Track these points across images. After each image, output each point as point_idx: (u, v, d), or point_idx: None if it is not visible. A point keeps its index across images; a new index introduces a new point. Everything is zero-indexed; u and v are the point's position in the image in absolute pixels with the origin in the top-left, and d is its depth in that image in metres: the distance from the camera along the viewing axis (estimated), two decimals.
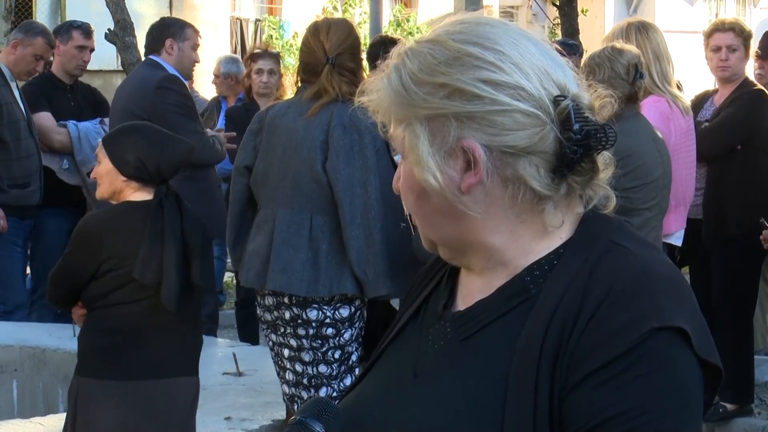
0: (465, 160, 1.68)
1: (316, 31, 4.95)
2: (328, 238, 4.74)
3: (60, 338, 6.28)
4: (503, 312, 1.70)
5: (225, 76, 10.32)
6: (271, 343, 4.86)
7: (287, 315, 4.77)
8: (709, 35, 6.87)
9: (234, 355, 5.60)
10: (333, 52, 4.85)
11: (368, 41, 14.69)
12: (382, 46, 9.02)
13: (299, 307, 4.73)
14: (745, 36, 6.79)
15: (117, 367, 4.15)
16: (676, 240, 5.80)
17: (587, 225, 1.73)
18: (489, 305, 1.73)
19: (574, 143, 1.66)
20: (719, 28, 6.88)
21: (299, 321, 4.74)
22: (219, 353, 6.14)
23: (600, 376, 1.57)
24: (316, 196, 4.78)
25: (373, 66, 8.91)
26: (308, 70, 4.90)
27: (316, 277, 4.70)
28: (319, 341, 4.73)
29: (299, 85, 4.99)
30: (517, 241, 1.72)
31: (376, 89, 1.75)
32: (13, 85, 7.43)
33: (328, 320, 4.73)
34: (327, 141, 4.77)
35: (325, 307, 4.73)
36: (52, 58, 7.90)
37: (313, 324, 4.72)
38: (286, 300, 4.76)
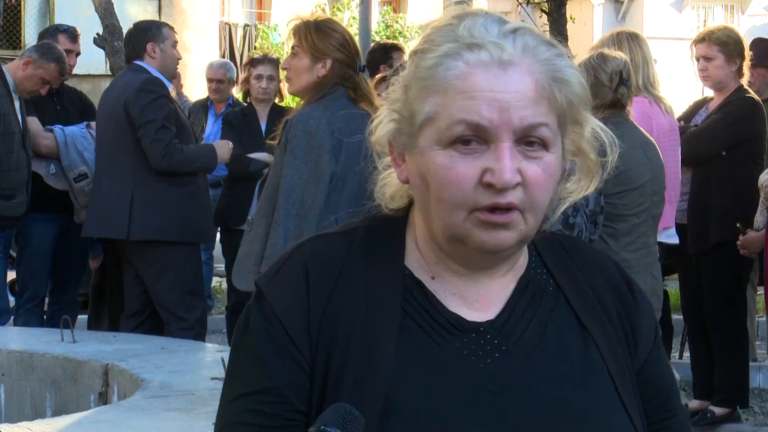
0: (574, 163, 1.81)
1: (349, 33, 4.95)
2: None
3: (48, 343, 6.25)
4: (544, 311, 1.79)
5: (210, 81, 10.33)
6: None
7: None
8: (692, 46, 6.96)
9: (223, 360, 5.57)
10: (362, 59, 4.93)
11: (360, 45, 14.69)
12: (383, 52, 9.03)
13: None
14: (720, 43, 6.80)
15: None
16: (667, 238, 5.83)
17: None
18: (524, 308, 1.79)
19: None
20: (696, 38, 6.97)
21: None
22: (207, 358, 6.12)
23: (658, 349, 1.87)
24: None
25: (374, 72, 8.90)
26: (342, 74, 4.87)
27: None
28: None
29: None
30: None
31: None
32: (15, 97, 7.42)
33: None
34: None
35: None
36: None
37: None
38: None
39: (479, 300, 1.77)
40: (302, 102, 4.94)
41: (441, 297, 1.77)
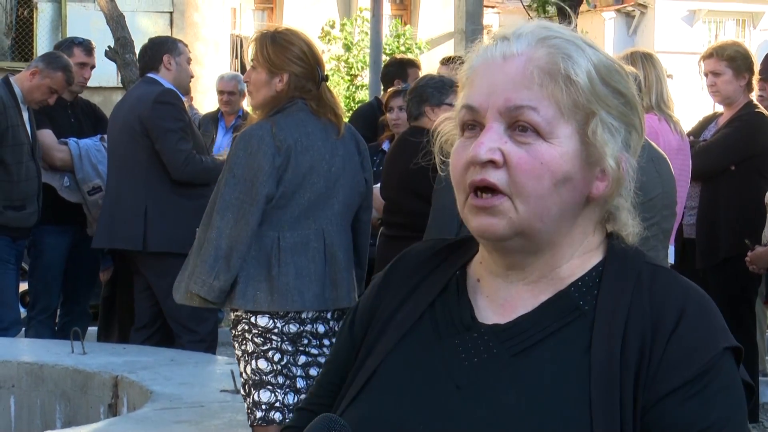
0: (601, 166, 1.75)
1: (309, 43, 4.92)
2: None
3: (58, 354, 6.27)
4: (558, 327, 1.75)
5: (221, 93, 10.36)
6: (279, 356, 4.79)
7: (321, 329, 4.78)
8: (700, 62, 6.97)
9: (232, 373, 5.58)
10: (324, 69, 4.90)
11: (367, 59, 14.71)
12: (399, 67, 9.06)
13: (338, 320, 4.78)
14: (728, 58, 6.80)
15: None
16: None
17: (616, 246, 1.81)
18: (538, 320, 1.76)
19: None
20: (705, 54, 6.97)
21: (331, 333, 4.78)
22: (217, 370, 6.13)
23: (687, 391, 1.67)
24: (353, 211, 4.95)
25: (389, 86, 8.91)
26: (300, 87, 4.84)
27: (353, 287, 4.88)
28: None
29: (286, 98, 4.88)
30: (573, 256, 1.79)
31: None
32: (23, 108, 7.44)
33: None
34: (360, 155, 4.94)
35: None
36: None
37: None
38: (329, 315, 4.78)
39: (505, 304, 1.80)
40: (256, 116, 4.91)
41: (474, 297, 1.83)
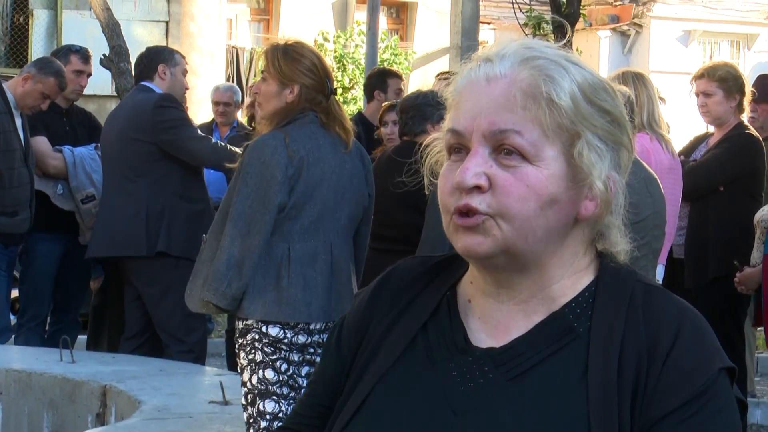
0: (589, 186, 1.73)
1: (319, 56, 4.96)
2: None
3: (47, 362, 6.25)
4: (553, 351, 1.73)
5: (216, 104, 10.36)
6: (286, 366, 4.81)
7: (324, 338, 4.80)
8: (692, 82, 7.00)
9: (221, 384, 5.58)
10: (333, 83, 4.93)
11: (364, 73, 14.73)
12: (379, 78, 9.08)
13: None
14: (719, 79, 6.83)
15: None
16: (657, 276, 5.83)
17: (607, 265, 1.80)
18: (533, 343, 1.75)
19: None
20: (696, 74, 7.00)
21: None
22: (206, 381, 6.13)
23: (682, 414, 1.67)
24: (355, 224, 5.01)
25: (370, 97, 8.94)
26: (311, 99, 4.87)
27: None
28: None
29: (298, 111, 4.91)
30: (564, 276, 1.77)
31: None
32: (16, 113, 7.43)
33: None
34: (365, 169, 5.01)
35: None
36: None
37: None
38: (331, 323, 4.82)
39: (498, 327, 1.78)
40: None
41: (467, 319, 1.81)
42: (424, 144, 1.87)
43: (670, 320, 1.73)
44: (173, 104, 7.10)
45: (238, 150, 7.13)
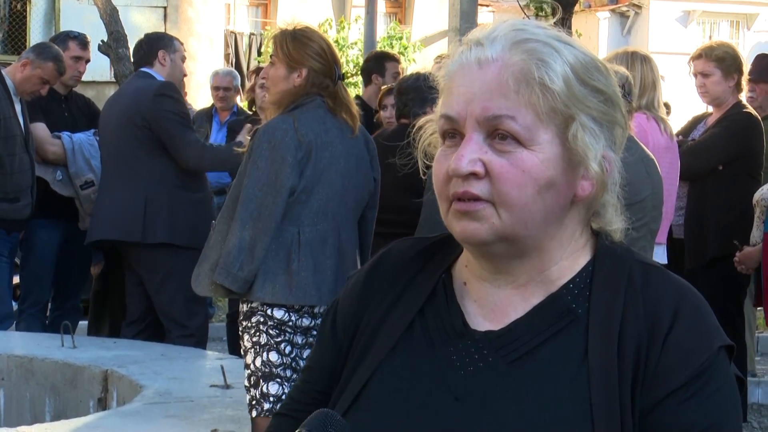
0: (585, 167, 1.72)
1: (327, 41, 4.98)
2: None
3: (48, 348, 6.27)
4: (552, 333, 1.73)
5: (216, 89, 10.36)
6: (290, 348, 4.82)
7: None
8: (690, 62, 6.99)
9: (222, 368, 5.59)
10: (341, 68, 4.96)
11: (360, 59, 14.71)
12: (377, 61, 9.06)
13: None
14: (716, 58, 6.83)
15: None
16: (659, 257, 5.84)
17: (604, 244, 1.79)
18: (532, 326, 1.74)
19: None
20: (694, 55, 6.99)
21: None
22: (207, 365, 6.14)
23: (683, 393, 1.68)
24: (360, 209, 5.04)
25: (368, 81, 8.93)
26: (318, 83, 4.89)
27: None
28: None
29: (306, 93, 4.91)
30: (562, 258, 1.76)
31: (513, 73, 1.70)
32: (15, 99, 7.43)
33: None
34: (370, 154, 5.02)
35: None
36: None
37: None
38: None
39: (495, 310, 1.77)
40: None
41: (463, 302, 1.80)
42: (417, 126, 1.86)
43: (669, 300, 1.72)
44: (174, 94, 7.10)
45: (237, 150, 7.17)
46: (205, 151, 7.10)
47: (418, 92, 6.41)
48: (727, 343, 1.73)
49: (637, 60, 5.61)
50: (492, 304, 1.78)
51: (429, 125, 1.84)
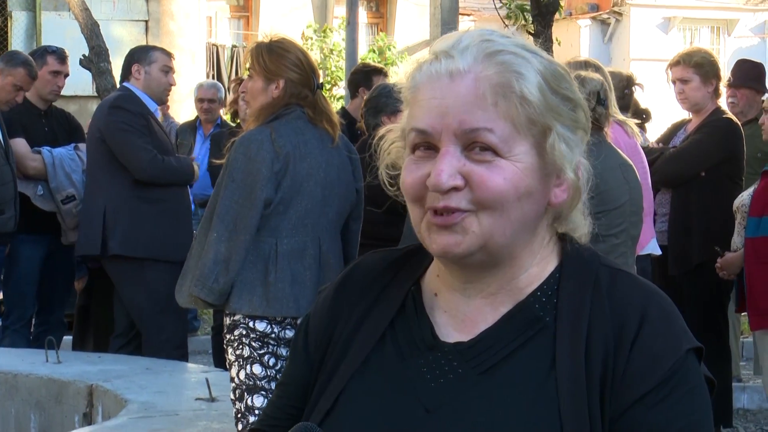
0: (558, 175, 1.73)
1: (304, 52, 4.98)
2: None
3: (32, 363, 6.26)
4: (522, 342, 1.73)
5: (201, 101, 10.36)
6: (274, 360, 4.82)
7: None
8: (668, 70, 7.02)
9: (207, 381, 5.59)
10: (319, 78, 4.96)
11: (345, 69, 14.74)
12: (364, 75, 9.07)
13: None
14: (694, 65, 6.86)
15: None
16: (652, 249, 5.89)
17: (570, 249, 1.79)
18: (500, 335, 1.74)
19: None
20: (671, 62, 7.02)
21: None
22: (192, 379, 6.14)
23: (653, 397, 1.67)
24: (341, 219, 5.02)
25: (354, 94, 8.93)
26: (296, 93, 4.89)
27: None
28: None
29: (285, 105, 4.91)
30: (531, 265, 1.76)
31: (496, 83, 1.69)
32: None
33: None
34: (352, 164, 5.01)
35: None
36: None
37: None
38: None
39: (465, 320, 1.77)
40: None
41: (433, 314, 1.79)
42: (377, 137, 1.84)
43: (636, 304, 1.72)
44: (128, 107, 7.10)
45: (192, 168, 7.21)
46: (152, 161, 7.05)
47: (372, 103, 6.44)
48: (696, 345, 1.73)
49: (590, 68, 5.65)
50: (463, 315, 1.77)
51: (389, 135, 1.82)
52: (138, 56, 7.36)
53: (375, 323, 1.82)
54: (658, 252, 6.29)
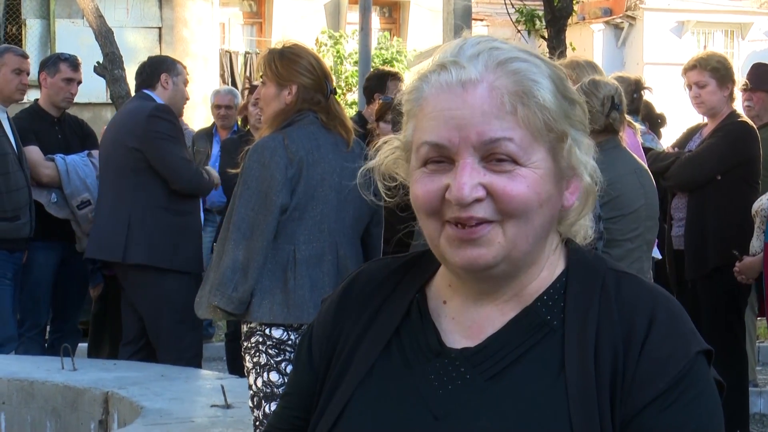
0: (569, 179, 1.74)
1: (317, 57, 4.97)
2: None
3: (48, 371, 6.26)
4: (529, 347, 1.72)
5: (217, 107, 10.37)
6: (291, 367, 4.81)
7: None
8: (683, 74, 7.00)
9: (222, 388, 5.58)
10: (332, 83, 4.95)
11: (358, 74, 14.74)
12: (380, 80, 9.06)
13: None
14: (711, 69, 6.85)
15: None
16: (653, 253, 5.88)
17: (576, 253, 1.78)
18: (507, 340, 1.73)
19: None
20: (686, 66, 7.00)
21: None
22: (207, 385, 6.13)
23: (663, 402, 1.66)
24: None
25: (370, 100, 8.92)
26: (309, 98, 4.88)
27: None
28: None
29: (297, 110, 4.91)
30: (542, 269, 1.76)
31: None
32: (3, 116, 7.44)
33: None
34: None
35: None
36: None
37: None
38: None
39: (472, 326, 1.76)
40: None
41: (440, 321, 1.78)
42: (375, 147, 1.83)
43: (643, 307, 1.71)
44: (169, 117, 7.12)
45: (216, 182, 7.26)
46: (200, 176, 7.14)
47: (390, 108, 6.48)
48: (705, 347, 1.72)
49: (589, 69, 5.62)
50: (470, 321, 1.77)
51: (385, 146, 1.81)
52: (167, 67, 7.37)
53: (380, 331, 1.81)
54: (658, 256, 6.27)
